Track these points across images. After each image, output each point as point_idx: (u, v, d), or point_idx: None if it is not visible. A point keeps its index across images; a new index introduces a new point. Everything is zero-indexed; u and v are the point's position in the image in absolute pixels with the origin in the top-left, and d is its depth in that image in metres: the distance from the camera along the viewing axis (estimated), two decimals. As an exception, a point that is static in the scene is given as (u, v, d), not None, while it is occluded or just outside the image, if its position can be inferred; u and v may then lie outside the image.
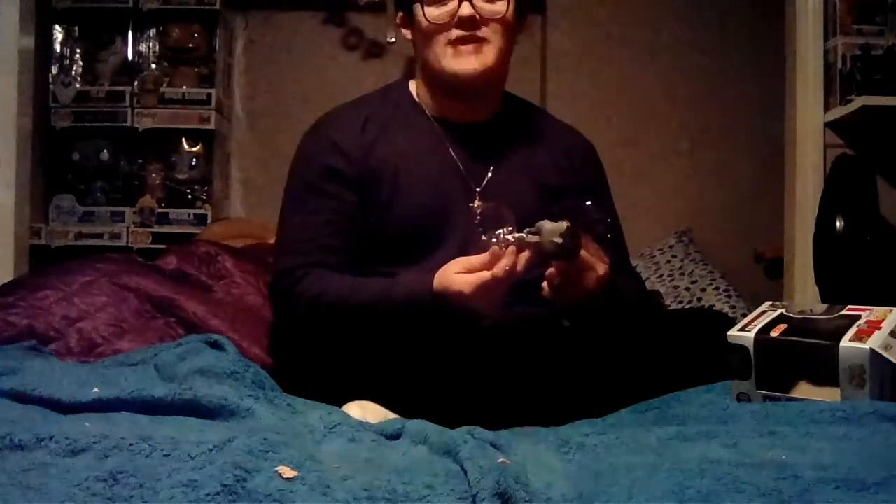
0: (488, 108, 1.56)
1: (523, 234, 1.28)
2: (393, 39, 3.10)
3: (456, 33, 1.46)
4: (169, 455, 0.85)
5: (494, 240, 1.28)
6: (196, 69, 3.23)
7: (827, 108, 2.56)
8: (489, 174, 1.51)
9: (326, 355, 1.43)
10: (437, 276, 1.32)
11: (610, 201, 1.62)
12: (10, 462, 0.85)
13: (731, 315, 2.82)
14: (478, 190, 1.50)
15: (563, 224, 1.27)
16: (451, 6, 1.46)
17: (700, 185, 3.28)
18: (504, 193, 1.47)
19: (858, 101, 2.37)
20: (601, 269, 1.33)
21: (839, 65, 2.51)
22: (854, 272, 2.33)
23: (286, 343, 1.56)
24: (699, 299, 2.94)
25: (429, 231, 1.46)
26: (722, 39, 3.30)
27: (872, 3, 2.53)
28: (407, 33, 1.57)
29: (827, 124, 2.55)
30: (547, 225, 1.27)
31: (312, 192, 1.50)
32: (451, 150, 1.52)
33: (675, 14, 3.33)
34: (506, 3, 1.47)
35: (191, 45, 3.22)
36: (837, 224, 2.37)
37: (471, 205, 1.48)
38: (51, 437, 0.88)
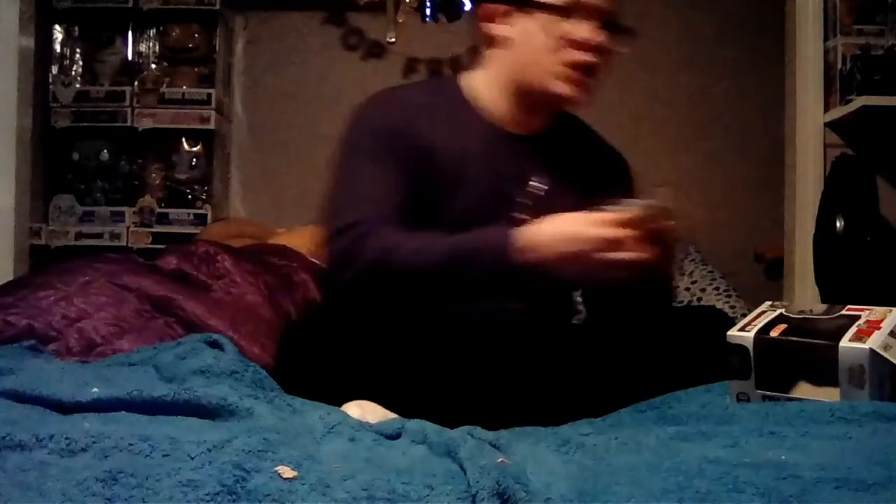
0: (547, 122, 1.50)
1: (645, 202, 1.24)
2: (393, 39, 3.11)
3: (578, 57, 1.37)
4: (169, 455, 0.85)
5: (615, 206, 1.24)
6: (196, 69, 3.24)
7: (827, 108, 2.56)
8: (536, 187, 1.46)
9: (388, 314, 1.34)
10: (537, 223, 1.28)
11: None
12: (9, 462, 0.85)
13: (731, 315, 2.82)
14: (520, 202, 1.44)
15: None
16: (587, 29, 1.37)
17: (700, 184, 3.28)
18: (549, 207, 1.41)
19: (858, 101, 2.37)
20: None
21: (839, 65, 2.51)
22: (854, 272, 2.33)
23: (289, 335, 1.54)
24: (699, 299, 2.94)
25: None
26: (722, 40, 3.30)
27: (872, 3, 2.53)
28: (500, 28, 1.44)
29: (827, 124, 2.55)
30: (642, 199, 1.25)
31: (376, 155, 1.39)
32: (501, 160, 1.45)
33: (674, 14, 3.33)
34: (624, 43, 1.40)
35: (191, 45, 3.22)
36: (837, 224, 2.37)
37: (514, 215, 1.41)
38: (50, 437, 0.88)
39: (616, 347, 1.41)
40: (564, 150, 1.51)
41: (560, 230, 1.25)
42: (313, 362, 1.37)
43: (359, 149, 1.42)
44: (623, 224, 1.22)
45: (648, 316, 1.45)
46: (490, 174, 1.44)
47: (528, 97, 1.44)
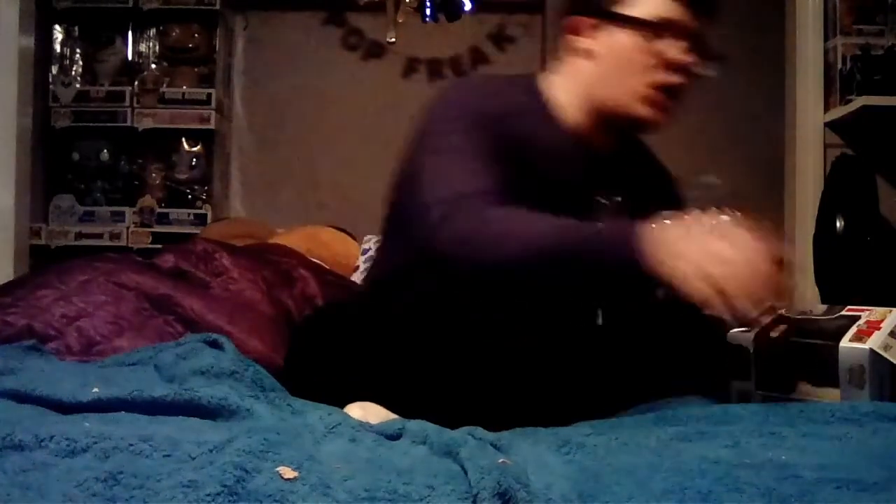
0: (616, 141, 1.45)
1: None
2: (393, 39, 3.10)
3: (665, 79, 1.32)
4: (169, 455, 0.85)
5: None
6: (196, 69, 3.24)
7: (827, 108, 2.56)
8: (603, 203, 1.41)
9: (482, 293, 1.25)
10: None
11: None
12: (9, 462, 0.84)
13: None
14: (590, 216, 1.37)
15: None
16: (677, 50, 1.32)
17: (700, 184, 3.28)
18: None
19: (858, 101, 2.37)
20: None
21: (839, 65, 2.51)
22: (854, 272, 2.33)
23: (297, 338, 1.53)
24: (699, 299, 2.93)
25: None
26: (721, 39, 3.30)
27: (872, 3, 2.54)
28: (587, 41, 1.38)
29: (827, 124, 2.55)
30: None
31: (474, 134, 1.31)
32: (571, 174, 1.38)
33: (675, 14, 3.33)
34: (710, 68, 1.35)
35: (191, 45, 3.23)
36: (837, 224, 2.37)
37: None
38: (51, 437, 0.88)
39: (624, 351, 1.40)
40: (630, 172, 1.45)
41: (709, 244, 1.11)
42: (319, 363, 1.37)
43: (445, 130, 1.33)
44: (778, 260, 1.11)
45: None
46: (560, 185, 1.36)
47: (605, 115, 1.38)
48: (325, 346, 1.38)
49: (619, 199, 1.29)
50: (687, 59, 1.32)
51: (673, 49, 1.32)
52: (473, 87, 1.43)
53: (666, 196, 1.48)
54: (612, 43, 1.35)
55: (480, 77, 1.48)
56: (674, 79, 1.33)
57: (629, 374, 1.35)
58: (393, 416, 1.21)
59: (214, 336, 1.37)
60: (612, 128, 1.40)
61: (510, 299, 1.24)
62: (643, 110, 1.34)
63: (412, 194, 1.30)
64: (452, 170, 1.29)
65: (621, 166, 1.45)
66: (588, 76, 1.39)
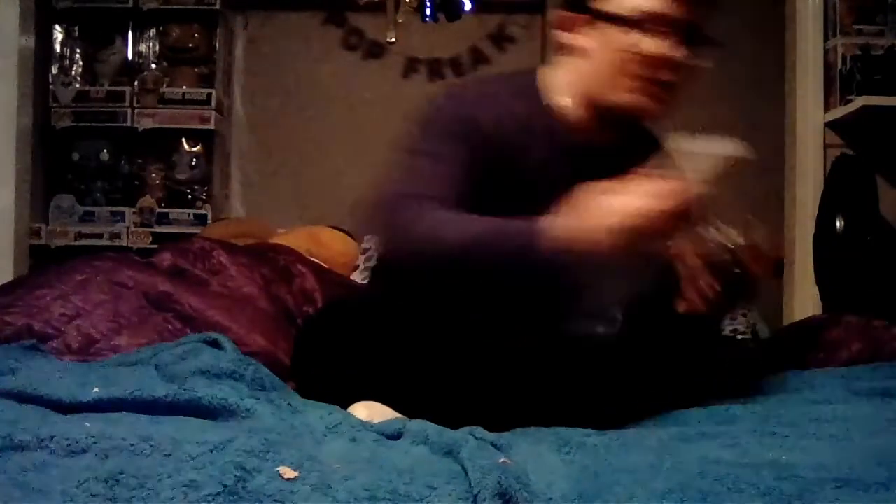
0: (623, 135, 1.44)
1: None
2: (393, 39, 3.10)
3: (650, 73, 1.32)
4: (169, 455, 0.85)
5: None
6: (196, 69, 3.24)
7: (827, 108, 2.56)
8: None
9: (420, 289, 1.28)
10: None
11: None
12: (10, 462, 0.85)
13: (730, 314, 2.82)
14: None
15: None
16: (659, 44, 1.31)
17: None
18: None
19: (858, 101, 2.37)
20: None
21: (839, 65, 2.51)
22: (854, 272, 2.33)
23: (310, 340, 1.53)
24: (699, 299, 2.93)
25: None
26: (721, 39, 3.30)
27: (872, 3, 2.54)
28: (576, 38, 1.39)
29: (827, 124, 2.55)
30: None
31: (443, 139, 1.34)
32: (572, 169, 1.34)
33: (674, 14, 3.33)
34: (705, 59, 1.33)
35: (191, 45, 3.23)
36: (837, 224, 2.37)
37: None
38: (51, 437, 0.88)
39: (628, 358, 1.40)
40: (635, 165, 1.47)
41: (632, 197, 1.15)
42: (325, 363, 1.37)
43: (425, 133, 1.36)
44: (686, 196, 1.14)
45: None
46: (559, 182, 1.33)
47: (602, 109, 1.38)
48: (329, 346, 1.38)
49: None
50: (678, 52, 1.31)
51: (655, 43, 1.32)
52: (463, 94, 1.43)
53: None
54: (603, 39, 1.35)
55: (476, 81, 1.47)
56: (660, 73, 1.32)
57: (641, 383, 1.35)
58: (398, 416, 1.21)
59: (214, 335, 1.37)
60: (612, 122, 1.39)
61: (503, 300, 1.25)
62: (638, 103, 1.34)
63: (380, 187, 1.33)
64: (417, 171, 1.32)
65: (625, 160, 1.44)
66: (582, 72, 1.40)
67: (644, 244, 1.15)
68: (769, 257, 1.23)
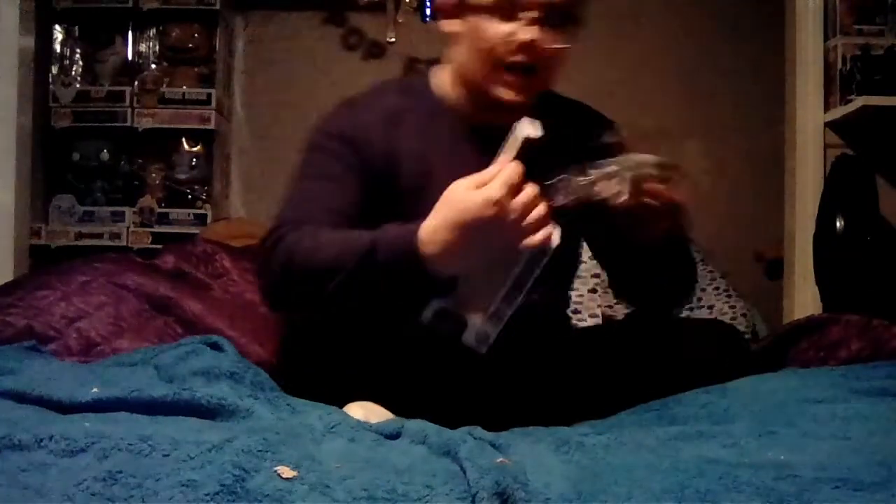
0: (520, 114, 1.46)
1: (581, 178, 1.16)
2: (393, 39, 3.10)
3: (511, 58, 1.31)
4: (168, 455, 0.85)
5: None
6: (196, 69, 3.23)
7: (827, 108, 2.56)
8: None
9: (310, 330, 1.30)
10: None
11: None
12: (9, 462, 0.85)
13: (731, 314, 2.82)
14: None
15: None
16: (516, 27, 1.30)
17: (700, 184, 3.28)
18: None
19: (858, 101, 2.37)
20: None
21: (839, 65, 2.51)
22: (854, 272, 2.33)
23: (289, 336, 1.53)
24: (699, 299, 2.94)
25: None
26: (721, 39, 3.30)
27: (872, 3, 2.54)
28: (451, 24, 1.38)
29: (827, 124, 2.55)
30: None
31: (325, 161, 1.36)
32: (473, 156, 1.36)
33: (674, 14, 3.33)
34: (570, 35, 1.32)
35: (191, 45, 3.22)
36: (837, 224, 2.37)
37: None
38: (50, 437, 0.88)
39: (617, 351, 1.40)
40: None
41: (447, 210, 1.13)
42: (314, 364, 1.37)
43: (308, 158, 1.39)
44: (511, 180, 1.10)
45: (676, 290, 1.42)
46: (458, 172, 1.37)
47: (477, 95, 1.38)
48: (315, 346, 1.38)
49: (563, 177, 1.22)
50: (529, 36, 1.30)
51: (506, 28, 1.31)
52: (337, 112, 1.44)
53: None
54: (467, 24, 1.35)
55: (354, 97, 1.47)
56: (517, 57, 1.31)
57: (612, 377, 1.35)
58: (393, 416, 1.21)
59: (215, 338, 1.37)
60: (492, 107, 1.37)
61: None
62: (502, 92, 1.33)
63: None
64: (289, 202, 1.34)
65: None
66: (456, 60, 1.40)
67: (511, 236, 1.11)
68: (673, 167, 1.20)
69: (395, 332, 1.27)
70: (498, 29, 1.31)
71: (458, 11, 1.36)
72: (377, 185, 1.36)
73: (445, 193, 1.15)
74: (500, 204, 1.09)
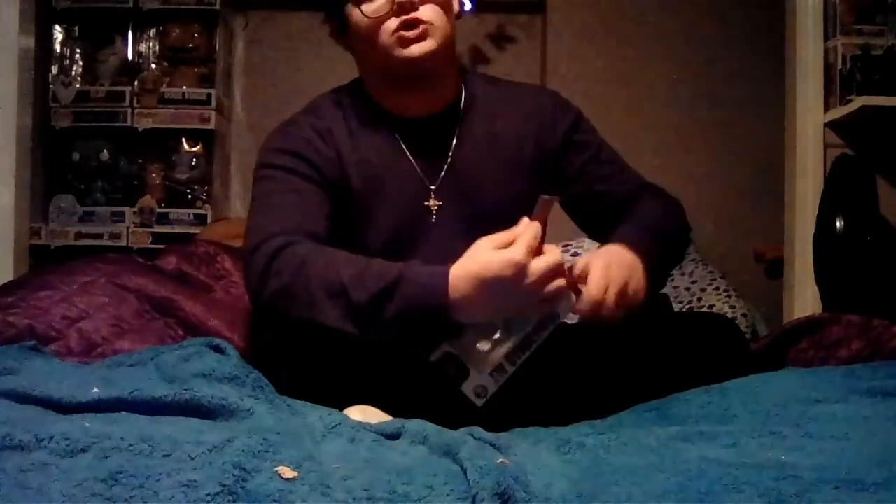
0: (444, 97, 1.51)
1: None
2: (393, 39, 3.10)
3: (396, 22, 1.40)
4: (169, 455, 0.85)
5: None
6: (196, 69, 3.23)
7: (827, 108, 2.56)
8: (444, 168, 1.48)
9: (308, 342, 1.30)
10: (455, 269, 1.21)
11: (596, 138, 1.57)
12: (9, 462, 0.85)
13: (731, 314, 2.82)
14: (433, 188, 1.47)
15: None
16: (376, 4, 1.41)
17: (699, 184, 3.28)
18: (461, 185, 1.46)
19: (858, 101, 2.37)
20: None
21: (839, 65, 2.51)
22: (854, 272, 2.33)
23: (268, 339, 1.53)
24: (699, 299, 2.94)
25: (398, 244, 1.42)
26: (721, 40, 3.30)
27: (872, 3, 2.53)
28: (343, 42, 1.53)
29: (827, 124, 2.55)
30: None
31: (285, 176, 1.42)
32: (407, 150, 1.48)
33: (674, 15, 3.33)
34: None
35: (191, 45, 3.22)
36: (837, 224, 2.37)
37: (426, 203, 1.45)
38: (51, 437, 0.88)
39: (615, 350, 1.40)
40: (471, 117, 1.52)
41: (471, 263, 1.19)
42: (312, 368, 1.36)
43: (266, 176, 1.45)
44: (532, 244, 1.17)
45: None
46: (398, 168, 1.46)
47: (392, 79, 1.47)
48: (309, 352, 1.37)
49: (548, 197, 1.27)
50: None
51: (373, 5, 1.41)
52: (280, 130, 1.52)
53: (542, 123, 1.52)
54: (350, 27, 1.46)
55: (292, 116, 1.57)
56: (405, 15, 1.40)
57: (611, 377, 1.35)
58: (391, 419, 1.21)
59: (217, 341, 1.37)
60: (414, 87, 1.47)
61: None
62: (405, 52, 1.41)
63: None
64: (267, 216, 1.38)
65: (456, 121, 1.51)
66: (361, 62, 1.52)
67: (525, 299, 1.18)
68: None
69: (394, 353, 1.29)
70: (371, 7, 1.42)
71: (340, 27, 1.50)
72: (333, 191, 1.44)
73: (472, 248, 1.21)
74: (519, 266, 1.16)
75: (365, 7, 1.42)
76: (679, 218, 1.56)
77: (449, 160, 1.48)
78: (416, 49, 1.41)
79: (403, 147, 1.48)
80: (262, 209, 1.40)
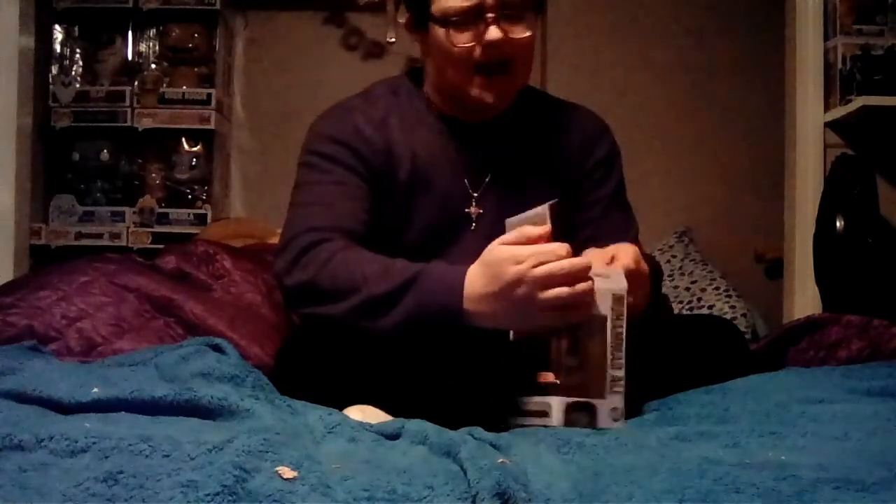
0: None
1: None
2: (393, 39, 3.11)
3: (479, 61, 1.37)
4: (169, 455, 0.85)
5: None
6: (196, 69, 3.24)
7: (827, 108, 2.56)
8: (488, 177, 1.48)
9: (332, 335, 1.32)
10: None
11: (616, 180, 1.56)
12: (9, 462, 0.85)
13: (730, 315, 2.83)
14: (475, 195, 1.47)
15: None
16: (477, 30, 1.36)
17: (700, 185, 3.28)
18: (502, 196, 1.45)
19: (858, 101, 2.37)
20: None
21: (839, 65, 2.51)
22: (854, 272, 2.33)
23: (292, 338, 1.53)
24: (699, 299, 2.94)
25: (435, 245, 1.42)
26: (722, 40, 3.31)
27: (872, 3, 2.54)
28: (420, 36, 1.46)
29: (827, 124, 2.55)
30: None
31: (332, 167, 1.42)
32: (457, 153, 1.47)
33: (674, 15, 3.34)
34: (530, 23, 1.39)
35: (191, 45, 3.22)
36: (837, 224, 2.37)
37: (466, 210, 1.46)
38: (51, 438, 0.88)
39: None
40: (521, 129, 1.51)
41: (485, 269, 1.19)
42: (313, 368, 1.36)
43: (311, 164, 1.44)
44: (546, 258, 1.14)
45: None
46: (448, 170, 1.46)
47: (457, 99, 1.45)
48: (313, 350, 1.37)
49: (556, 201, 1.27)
50: (495, 35, 1.35)
51: (478, 30, 1.36)
52: (333, 113, 1.50)
53: (583, 147, 1.52)
54: (432, 38, 1.41)
55: (344, 101, 1.53)
56: (492, 56, 1.36)
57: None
58: (391, 419, 1.20)
59: (217, 340, 1.37)
60: (473, 110, 1.45)
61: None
62: (485, 94, 1.40)
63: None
64: (305, 208, 1.39)
65: (507, 132, 1.50)
66: (431, 68, 1.48)
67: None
68: None
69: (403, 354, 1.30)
70: (460, 37, 1.36)
71: (417, 25, 1.44)
72: (377, 183, 1.43)
73: (485, 253, 1.21)
74: (515, 255, 1.16)
75: (454, 34, 1.36)
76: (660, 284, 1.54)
77: (494, 170, 1.48)
78: (496, 93, 1.40)
79: (454, 148, 1.47)
80: (304, 200, 1.42)
